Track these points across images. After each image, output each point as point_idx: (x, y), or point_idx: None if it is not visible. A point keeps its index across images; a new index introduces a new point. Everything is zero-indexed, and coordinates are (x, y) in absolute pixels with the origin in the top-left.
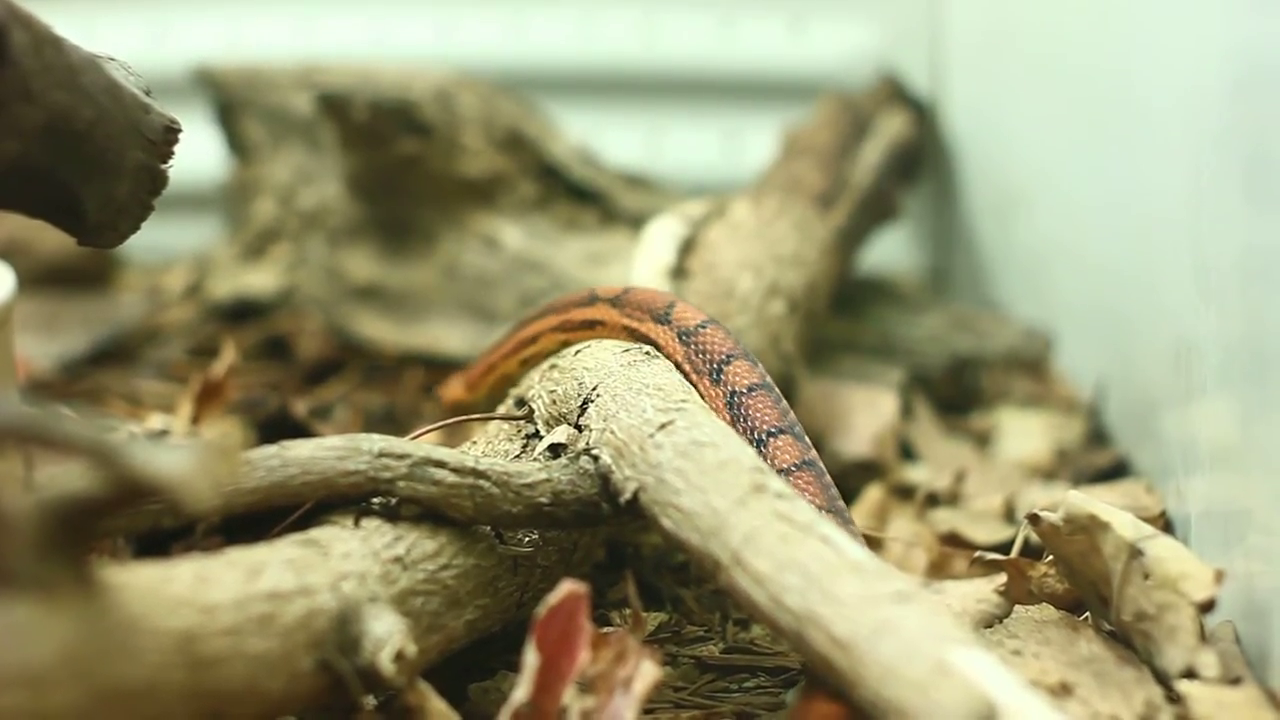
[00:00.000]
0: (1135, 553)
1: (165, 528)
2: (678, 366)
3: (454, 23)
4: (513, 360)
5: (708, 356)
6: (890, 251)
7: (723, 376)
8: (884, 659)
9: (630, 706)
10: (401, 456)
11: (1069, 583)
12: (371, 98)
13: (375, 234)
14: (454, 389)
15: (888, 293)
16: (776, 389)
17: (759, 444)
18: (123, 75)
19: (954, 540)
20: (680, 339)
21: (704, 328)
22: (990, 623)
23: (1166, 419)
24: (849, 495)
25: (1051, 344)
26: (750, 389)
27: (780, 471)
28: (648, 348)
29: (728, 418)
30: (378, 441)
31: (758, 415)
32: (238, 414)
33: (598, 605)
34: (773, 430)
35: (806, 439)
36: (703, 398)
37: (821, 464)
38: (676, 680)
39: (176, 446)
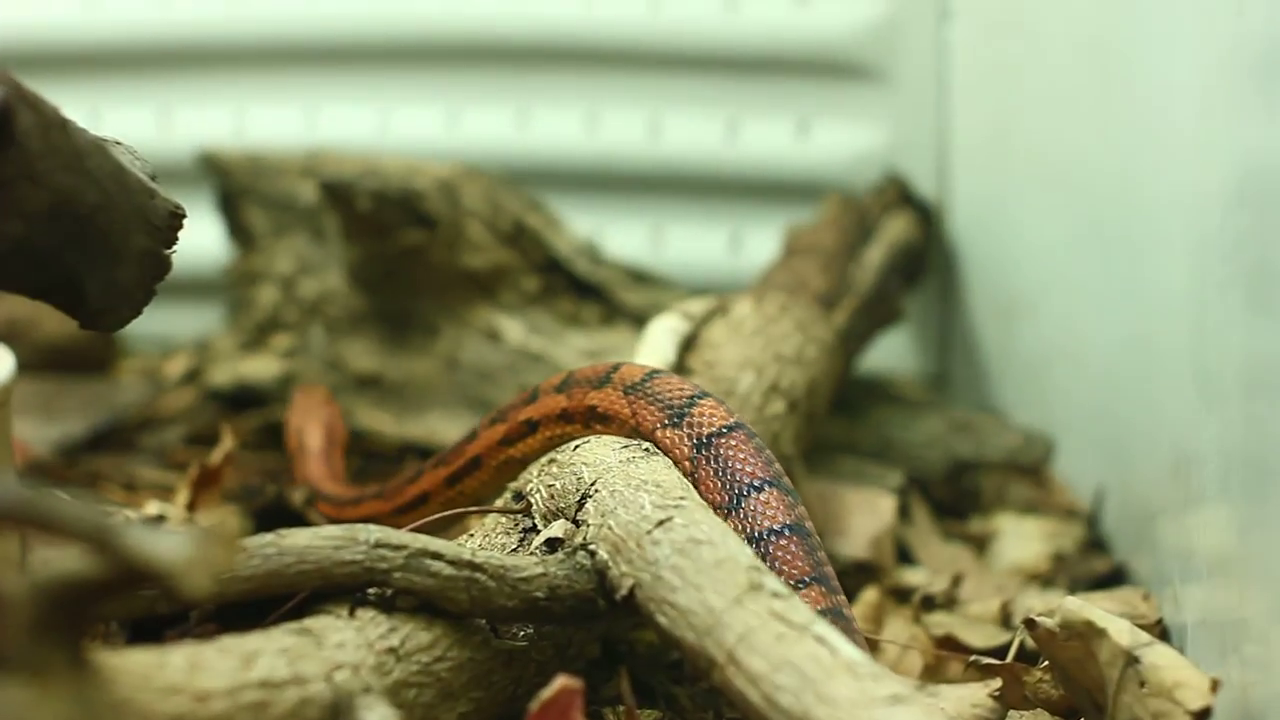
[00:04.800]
0: (1131, 660)
1: (160, 614)
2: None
3: (460, 116)
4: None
5: (664, 404)
6: (891, 354)
7: (685, 420)
8: None
9: None
10: (398, 548)
11: (1064, 689)
12: (376, 188)
13: (376, 324)
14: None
15: (888, 395)
16: (757, 435)
17: (739, 499)
18: (129, 160)
19: (950, 644)
20: (625, 395)
21: (654, 377)
22: None
23: (1165, 527)
24: (846, 597)
25: (1051, 450)
26: (722, 433)
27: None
28: (646, 445)
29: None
30: (374, 532)
31: (737, 466)
32: (235, 502)
33: (591, 701)
34: (758, 484)
35: (796, 495)
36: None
37: (809, 525)
38: None
39: (173, 532)
